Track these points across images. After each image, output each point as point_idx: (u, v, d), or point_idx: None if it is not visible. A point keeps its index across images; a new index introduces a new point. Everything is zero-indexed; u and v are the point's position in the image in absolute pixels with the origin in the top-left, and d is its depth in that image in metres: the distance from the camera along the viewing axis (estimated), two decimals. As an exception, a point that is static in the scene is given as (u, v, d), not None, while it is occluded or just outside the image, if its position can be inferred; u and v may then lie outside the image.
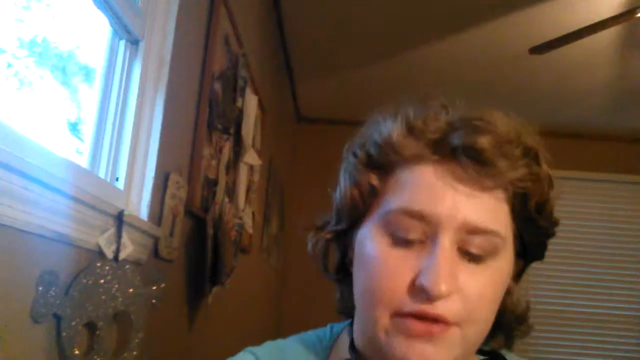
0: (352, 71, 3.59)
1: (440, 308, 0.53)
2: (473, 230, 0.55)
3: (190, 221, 1.57)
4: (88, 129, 1.15)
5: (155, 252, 1.29)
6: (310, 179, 4.16)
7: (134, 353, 1.09)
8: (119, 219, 1.03)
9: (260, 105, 2.37)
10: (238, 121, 1.98)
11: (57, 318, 0.87)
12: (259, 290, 3.03)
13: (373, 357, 0.60)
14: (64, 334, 0.87)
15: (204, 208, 1.64)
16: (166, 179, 1.33)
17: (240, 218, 2.06)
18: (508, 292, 0.61)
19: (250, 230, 2.35)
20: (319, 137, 4.31)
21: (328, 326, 0.71)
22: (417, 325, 0.54)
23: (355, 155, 0.61)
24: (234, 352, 0.68)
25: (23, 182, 0.75)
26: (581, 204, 4.18)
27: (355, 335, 0.64)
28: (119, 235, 1.03)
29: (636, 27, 2.65)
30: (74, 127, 1.16)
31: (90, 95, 1.17)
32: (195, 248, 1.63)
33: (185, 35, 1.41)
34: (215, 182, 1.76)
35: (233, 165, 1.98)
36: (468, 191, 0.55)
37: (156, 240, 1.28)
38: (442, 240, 0.54)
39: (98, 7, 1.11)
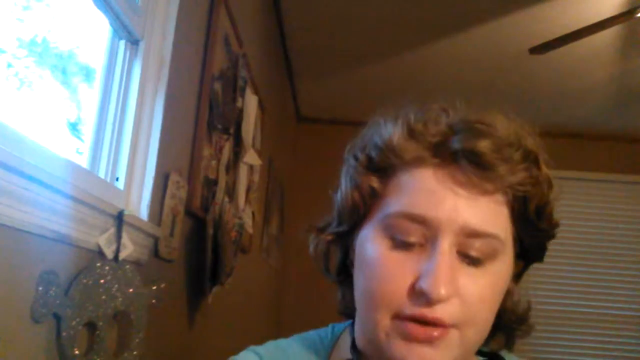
0: (352, 71, 3.59)
1: (439, 312, 0.54)
2: (472, 234, 0.55)
3: (190, 221, 1.57)
4: (88, 129, 1.15)
5: (155, 252, 1.29)
6: (310, 179, 4.16)
7: (134, 353, 1.09)
8: (119, 219, 1.03)
9: (260, 105, 2.37)
10: (238, 121, 1.98)
11: (57, 318, 0.87)
12: (259, 290, 3.04)
13: (374, 357, 0.61)
14: (64, 334, 0.87)
15: (204, 208, 1.64)
16: (166, 179, 1.34)
17: (240, 218, 2.06)
18: (508, 293, 0.61)
19: (250, 230, 2.35)
20: (319, 137, 4.31)
21: (329, 326, 0.72)
22: (417, 329, 0.54)
23: (356, 158, 0.62)
24: (233, 352, 0.68)
25: (23, 182, 0.75)
26: (581, 204, 4.18)
27: (356, 336, 0.64)
28: (119, 235, 1.03)
29: (636, 27, 2.65)
30: (74, 127, 1.16)
31: (90, 95, 1.17)
32: (195, 248, 1.63)
33: (185, 35, 1.41)
34: (215, 182, 1.76)
35: (233, 165, 1.98)
36: (468, 195, 0.55)
37: (156, 240, 1.29)
38: (441, 244, 0.54)
39: (98, 7, 1.11)
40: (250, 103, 2.13)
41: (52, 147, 0.90)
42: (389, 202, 0.58)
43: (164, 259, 1.34)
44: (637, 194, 4.23)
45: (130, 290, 1.07)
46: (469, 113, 0.59)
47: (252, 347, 0.68)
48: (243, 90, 2.02)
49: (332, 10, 2.87)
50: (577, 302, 4.15)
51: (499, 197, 0.57)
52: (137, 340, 1.10)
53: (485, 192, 0.56)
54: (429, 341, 0.54)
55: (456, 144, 0.56)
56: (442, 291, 0.53)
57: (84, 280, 0.93)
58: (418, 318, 0.54)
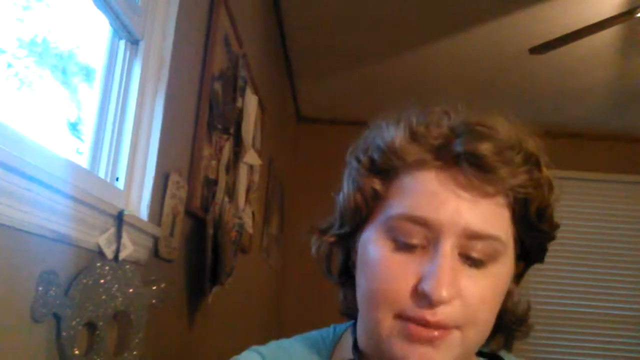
0: (352, 71, 3.59)
1: (440, 314, 0.54)
2: (474, 236, 0.55)
3: (190, 221, 1.57)
4: (88, 129, 1.15)
5: (155, 252, 1.29)
6: (310, 179, 4.16)
7: (134, 353, 1.09)
8: (119, 219, 1.03)
9: (260, 105, 2.37)
10: (238, 121, 1.98)
11: (57, 318, 0.87)
12: (259, 290, 3.04)
13: (376, 357, 0.61)
14: (64, 334, 0.87)
15: (204, 208, 1.64)
16: (166, 179, 1.34)
17: (240, 218, 2.06)
18: (509, 294, 0.62)
19: (250, 230, 2.35)
20: (319, 137, 4.31)
21: (331, 327, 0.72)
22: (419, 330, 0.55)
23: (358, 160, 0.62)
24: (233, 352, 0.68)
25: (23, 182, 0.75)
26: (581, 204, 4.18)
27: (358, 336, 0.65)
28: (119, 235, 1.03)
29: (636, 27, 2.65)
30: (74, 127, 1.16)
31: (90, 95, 1.17)
32: (195, 248, 1.63)
33: (185, 35, 1.41)
34: (215, 182, 1.76)
35: (233, 165, 1.98)
36: (470, 197, 0.56)
37: (156, 240, 1.29)
38: (443, 246, 0.55)
39: (98, 7, 1.11)
40: (250, 103, 2.13)
41: (52, 147, 0.90)
42: (391, 204, 0.58)
43: (164, 259, 1.34)
44: (637, 194, 4.23)
45: (130, 290, 1.07)
46: (470, 115, 0.60)
47: (255, 347, 0.69)
48: (243, 90, 2.02)
49: (332, 10, 2.87)
50: (577, 302, 4.15)
51: (501, 200, 0.57)
52: (137, 340, 1.10)
53: (486, 195, 0.56)
54: (430, 341, 0.55)
55: (458, 146, 0.56)
56: (444, 293, 0.53)
57: (84, 280, 0.93)
58: (420, 321, 0.54)
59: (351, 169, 0.63)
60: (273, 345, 0.69)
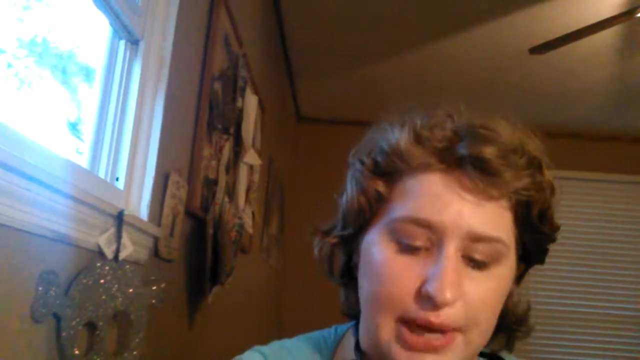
0: (352, 71, 3.59)
1: (443, 316, 0.54)
2: (477, 238, 0.56)
3: (190, 221, 1.57)
4: (88, 129, 1.15)
5: (155, 252, 1.29)
6: (310, 179, 4.16)
7: (134, 353, 1.09)
8: (119, 219, 1.03)
9: (260, 105, 2.37)
10: (238, 121, 1.98)
11: (57, 318, 0.87)
12: (259, 290, 3.04)
13: (377, 358, 0.61)
14: (64, 334, 0.87)
15: (204, 208, 1.64)
16: (166, 179, 1.34)
17: (240, 218, 2.06)
18: (509, 294, 0.62)
19: (250, 230, 2.35)
20: (319, 137, 4.31)
21: (332, 327, 0.72)
22: (417, 341, 0.55)
23: (362, 162, 0.62)
24: (233, 352, 0.68)
25: (23, 182, 0.75)
26: (581, 204, 4.18)
27: (360, 337, 0.65)
28: (119, 235, 1.03)
29: (636, 27, 2.65)
30: (74, 127, 1.16)
31: (90, 95, 1.17)
32: (195, 248, 1.63)
33: (185, 35, 1.41)
34: (215, 182, 1.76)
35: (233, 165, 1.98)
36: (474, 200, 0.56)
37: (156, 240, 1.29)
38: (447, 248, 0.55)
39: (98, 7, 1.11)
40: (250, 103, 2.13)
41: (52, 147, 0.90)
42: (395, 206, 0.59)
43: (164, 259, 1.34)
44: (637, 194, 4.23)
45: (130, 290, 1.06)
46: (473, 118, 0.60)
47: (257, 347, 0.69)
48: (243, 90, 2.02)
49: (332, 10, 2.87)
50: (577, 302, 4.15)
51: (504, 203, 0.58)
52: (137, 340, 1.10)
53: (491, 198, 0.56)
54: (435, 350, 0.55)
55: (462, 150, 0.56)
56: (448, 295, 0.53)
57: (84, 280, 0.93)
58: (423, 323, 0.55)
59: (355, 170, 0.63)
60: (275, 345, 0.70)
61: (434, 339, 0.55)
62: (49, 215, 0.83)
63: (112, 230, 1.02)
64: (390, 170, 0.60)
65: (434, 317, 0.54)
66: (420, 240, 0.56)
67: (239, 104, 1.96)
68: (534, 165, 0.58)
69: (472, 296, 0.55)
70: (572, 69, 3.27)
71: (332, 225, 0.67)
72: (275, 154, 3.19)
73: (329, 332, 0.71)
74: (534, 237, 0.61)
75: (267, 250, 3.09)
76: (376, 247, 0.59)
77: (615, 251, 4.17)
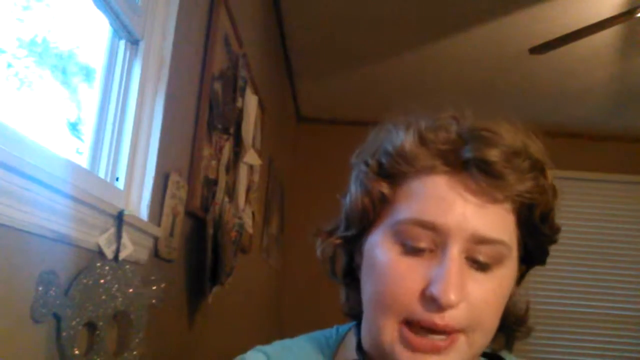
0: (352, 71, 3.59)
1: (447, 318, 0.55)
2: (481, 241, 0.56)
3: (190, 221, 1.57)
4: (88, 129, 1.15)
5: (155, 252, 1.29)
6: (310, 179, 4.16)
7: (134, 353, 1.09)
8: (119, 219, 1.03)
9: (260, 105, 2.37)
10: (238, 121, 1.98)
11: (57, 318, 0.87)
12: (259, 290, 3.03)
13: (379, 359, 0.62)
14: (64, 334, 0.87)
15: (204, 208, 1.64)
16: (166, 179, 1.34)
17: (240, 218, 2.06)
18: (510, 295, 0.62)
19: (250, 230, 2.35)
20: (319, 137, 4.32)
21: (334, 327, 0.73)
22: (422, 342, 0.56)
23: (366, 163, 0.63)
24: (233, 352, 0.68)
25: (23, 182, 0.75)
26: (581, 204, 4.18)
27: (362, 337, 0.65)
28: (119, 235, 1.03)
29: (636, 27, 2.65)
30: (74, 127, 1.16)
31: (90, 95, 1.17)
32: (195, 248, 1.63)
33: (185, 35, 1.41)
34: (215, 182, 1.76)
35: (233, 165, 1.98)
36: (478, 202, 0.57)
37: (156, 240, 1.29)
38: (451, 250, 0.56)
39: (98, 7, 1.11)
40: (250, 103, 2.13)
41: (52, 147, 0.90)
42: (399, 208, 0.59)
43: (164, 259, 1.34)
44: (637, 194, 4.23)
45: (130, 290, 1.07)
46: (476, 121, 0.61)
47: (259, 347, 0.69)
48: (243, 90, 2.02)
49: (332, 10, 2.87)
50: (577, 302, 4.15)
51: (507, 205, 0.58)
52: (137, 340, 1.10)
53: (494, 200, 0.57)
54: (437, 351, 0.56)
55: (467, 153, 0.57)
56: (452, 297, 0.54)
57: (84, 280, 0.93)
58: (428, 325, 0.55)
59: (359, 172, 0.63)
60: (277, 345, 0.70)
61: (438, 340, 0.56)
62: (49, 215, 0.83)
63: (112, 230, 1.02)
64: (394, 172, 0.60)
65: (438, 319, 0.55)
66: (425, 242, 0.57)
67: (239, 104, 1.96)
68: (537, 168, 0.59)
69: (476, 297, 0.56)
70: (572, 69, 3.27)
71: (335, 226, 0.67)
72: (275, 154, 3.19)
73: (330, 332, 0.72)
74: (536, 238, 0.61)
75: (267, 250, 3.09)
76: (380, 248, 0.59)
77: (615, 251, 4.17)
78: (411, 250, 0.57)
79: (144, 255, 1.21)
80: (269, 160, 2.95)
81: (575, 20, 2.58)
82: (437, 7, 2.74)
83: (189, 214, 1.54)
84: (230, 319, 2.26)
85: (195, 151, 1.56)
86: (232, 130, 1.89)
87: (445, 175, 0.58)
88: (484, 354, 0.67)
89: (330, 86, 3.87)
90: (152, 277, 1.19)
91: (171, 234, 1.38)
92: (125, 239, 1.04)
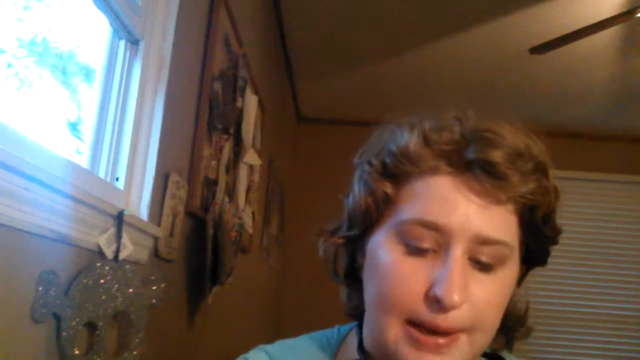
0: (352, 71, 3.59)
1: (450, 319, 0.55)
2: (484, 241, 0.56)
3: (190, 221, 1.57)
4: (88, 129, 1.15)
5: (155, 252, 1.29)
6: (310, 179, 4.17)
7: (134, 353, 1.09)
8: (119, 219, 1.03)
9: (260, 105, 2.37)
10: (238, 121, 1.98)
11: (57, 318, 0.87)
12: (259, 290, 3.03)
13: (382, 359, 0.62)
14: (64, 334, 0.87)
15: (204, 208, 1.64)
16: (166, 179, 1.34)
17: (240, 218, 2.06)
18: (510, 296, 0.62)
19: (250, 230, 2.35)
20: (319, 137, 4.32)
21: (336, 327, 0.73)
22: (426, 339, 0.56)
23: (370, 163, 0.63)
24: (233, 352, 0.69)
25: (23, 182, 0.75)
26: (581, 204, 4.18)
27: (364, 337, 0.65)
28: (119, 235, 1.03)
29: (636, 27, 2.65)
30: (74, 127, 1.16)
31: (90, 95, 1.17)
32: (195, 248, 1.63)
33: (185, 35, 1.41)
34: (215, 182, 1.76)
35: (233, 165, 1.98)
36: (481, 203, 0.57)
37: (156, 240, 1.29)
38: (454, 251, 0.56)
39: (98, 7, 1.11)
40: (250, 103, 2.13)
41: (52, 147, 0.90)
42: (402, 208, 0.59)
43: (164, 259, 1.34)
44: (637, 194, 4.23)
45: (130, 290, 1.07)
46: (479, 122, 0.61)
47: (262, 346, 0.70)
48: (243, 90, 2.02)
49: (332, 10, 2.87)
50: (577, 302, 4.15)
51: (510, 206, 0.58)
52: (137, 340, 1.10)
53: (498, 201, 0.57)
54: (439, 350, 0.56)
55: (471, 153, 0.57)
56: (456, 298, 0.54)
57: (84, 280, 0.93)
58: (431, 327, 0.55)
59: (362, 172, 0.64)
60: (279, 344, 0.71)
61: (440, 338, 0.56)
62: (49, 215, 0.83)
63: (112, 230, 1.02)
64: (398, 172, 0.60)
65: (441, 321, 0.55)
66: (428, 242, 0.57)
67: (239, 104, 1.96)
68: (540, 170, 0.59)
69: (478, 298, 0.56)
70: (572, 69, 3.27)
71: (338, 226, 0.67)
72: (275, 154, 3.19)
73: (332, 332, 0.72)
74: (538, 239, 0.62)
75: (267, 250, 3.09)
76: (383, 248, 0.59)
77: (616, 251, 4.17)
78: (414, 251, 0.57)
79: (144, 255, 1.21)
80: (269, 160, 2.95)
81: (575, 20, 2.58)
82: (437, 7, 2.74)
83: (189, 214, 1.54)
84: (230, 319, 2.26)
85: (195, 151, 1.56)
86: (232, 130, 1.89)
87: (448, 175, 0.58)
88: (484, 354, 0.67)
89: (330, 86, 3.87)
90: (152, 277, 1.19)
91: (171, 234, 1.38)
92: (125, 239, 1.04)
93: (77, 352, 0.90)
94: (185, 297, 1.59)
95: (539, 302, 4.00)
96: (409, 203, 0.59)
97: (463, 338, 0.56)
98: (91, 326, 0.97)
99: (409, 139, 0.60)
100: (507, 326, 0.64)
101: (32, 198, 0.78)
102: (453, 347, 0.56)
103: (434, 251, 0.57)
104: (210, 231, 1.62)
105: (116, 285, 1.02)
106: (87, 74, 1.18)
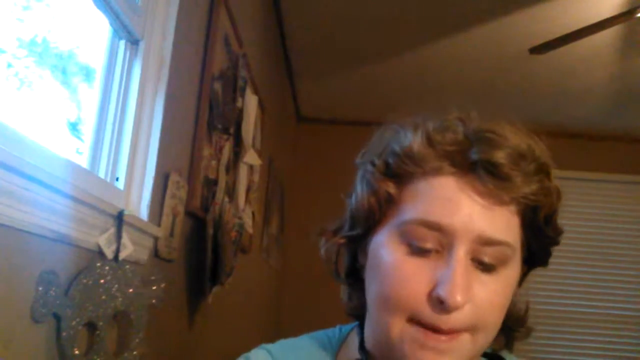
0: (352, 71, 3.59)
1: (452, 321, 0.55)
2: (487, 242, 0.57)
3: (190, 221, 1.57)
4: (88, 129, 1.15)
5: (155, 252, 1.29)
6: (310, 179, 4.17)
7: (134, 353, 1.09)
8: (119, 219, 1.03)
9: (260, 105, 2.37)
10: (238, 121, 1.98)
11: (57, 318, 0.87)
12: (259, 290, 3.03)
13: (383, 358, 0.62)
14: (64, 334, 0.87)
15: (204, 208, 1.64)
16: (166, 179, 1.34)
17: (240, 218, 2.06)
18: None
19: (250, 230, 2.35)
20: (319, 137, 4.32)
21: (337, 327, 0.73)
22: (429, 337, 0.56)
23: (373, 163, 0.63)
24: (233, 352, 0.69)
25: (23, 182, 0.75)
26: (581, 204, 4.18)
27: (366, 337, 0.66)
28: (119, 235, 1.03)
29: (636, 27, 2.65)
30: (74, 127, 1.16)
31: (90, 95, 1.17)
32: (195, 248, 1.63)
33: (185, 35, 1.41)
34: (215, 182, 1.76)
35: (233, 165, 1.98)
36: (484, 204, 0.57)
37: (156, 240, 1.29)
38: (457, 251, 0.56)
39: (98, 7, 1.11)
40: (250, 103, 2.13)
41: (52, 147, 0.90)
42: (405, 208, 0.59)
43: (164, 259, 1.34)
44: (637, 194, 4.23)
45: (130, 290, 1.07)
46: (482, 122, 0.61)
47: (264, 345, 0.70)
48: (243, 90, 2.02)
49: (332, 10, 2.87)
50: (577, 302, 4.15)
51: (512, 207, 0.58)
52: (137, 340, 1.10)
53: (501, 202, 0.57)
54: (441, 348, 0.56)
55: (474, 154, 0.57)
56: (459, 298, 0.54)
57: (84, 280, 0.93)
58: (434, 328, 0.56)
59: (365, 172, 0.64)
60: (281, 343, 0.71)
61: (443, 336, 0.56)
62: (49, 215, 0.83)
63: (112, 230, 1.02)
64: (401, 172, 0.60)
65: (443, 323, 0.55)
66: (431, 242, 0.57)
67: (239, 104, 1.96)
68: (543, 170, 0.59)
69: (481, 299, 0.56)
70: (572, 69, 3.27)
71: (340, 226, 0.67)
72: (275, 154, 3.19)
73: (333, 332, 0.72)
74: (539, 240, 0.62)
75: (267, 250, 3.09)
76: (385, 248, 0.60)
77: (616, 251, 4.17)
78: (417, 251, 0.57)
79: (144, 255, 1.21)
80: (269, 160, 2.95)
81: (575, 20, 2.58)
82: (437, 7, 2.74)
83: (189, 214, 1.54)
84: (230, 319, 2.26)
85: (195, 151, 1.56)
86: (232, 130, 1.89)
87: (452, 176, 0.58)
88: (484, 354, 0.67)
89: (330, 86, 3.87)
90: (152, 277, 1.19)
91: (171, 234, 1.38)
92: (125, 239, 1.04)
93: (77, 352, 0.90)
94: (185, 297, 1.59)
95: (539, 302, 3.99)
96: (411, 203, 0.59)
97: (466, 337, 0.57)
98: (91, 326, 0.97)
99: (413, 140, 0.60)
100: (507, 326, 0.64)
101: (32, 198, 0.78)
102: (455, 345, 0.56)
103: (437, 251, 0.57)
104: (210, 231, 1.62)
105: (116, 285, 1.02)
106: (87, 74, 1.18)
